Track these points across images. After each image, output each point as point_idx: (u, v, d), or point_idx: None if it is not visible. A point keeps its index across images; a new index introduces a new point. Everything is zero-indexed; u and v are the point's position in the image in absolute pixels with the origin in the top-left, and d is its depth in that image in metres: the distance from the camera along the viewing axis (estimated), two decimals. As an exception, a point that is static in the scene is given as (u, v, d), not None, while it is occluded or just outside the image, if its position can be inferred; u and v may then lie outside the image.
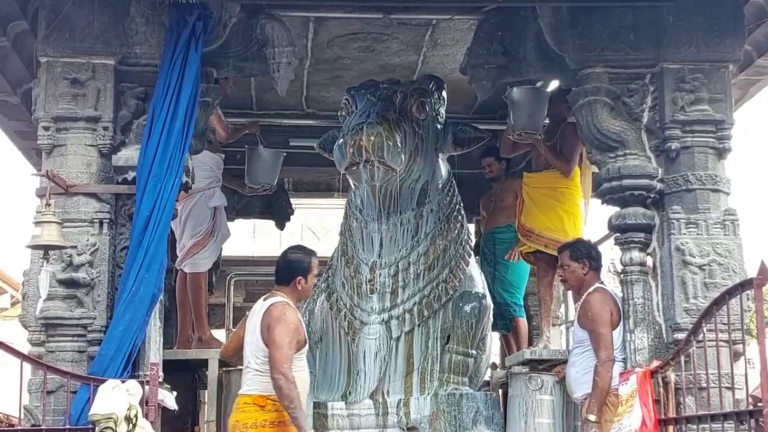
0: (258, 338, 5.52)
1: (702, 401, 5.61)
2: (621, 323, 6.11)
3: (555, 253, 7.51)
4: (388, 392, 6.84)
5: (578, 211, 7.73)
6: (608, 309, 6.09)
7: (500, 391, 7.29)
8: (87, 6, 6.06)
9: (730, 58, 6.25)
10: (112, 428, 5.25)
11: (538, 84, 8.03)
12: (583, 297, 6.25)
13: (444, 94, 7.29)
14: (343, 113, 7.19)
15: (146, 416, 5.45)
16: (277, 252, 11.68)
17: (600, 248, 6.84)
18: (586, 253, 6.34)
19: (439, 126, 7.19)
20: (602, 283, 6.32)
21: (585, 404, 6.06)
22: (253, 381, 5.51)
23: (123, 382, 5.42)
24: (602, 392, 5.94)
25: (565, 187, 7.62)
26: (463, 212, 7.37)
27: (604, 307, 6.08)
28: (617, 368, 6.01)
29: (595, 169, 6.75)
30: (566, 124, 7.48)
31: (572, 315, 8.79)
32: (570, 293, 8.36)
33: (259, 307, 5.63)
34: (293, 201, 10.09)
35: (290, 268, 5.70)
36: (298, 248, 5.90)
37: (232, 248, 8.10)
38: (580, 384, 6.14)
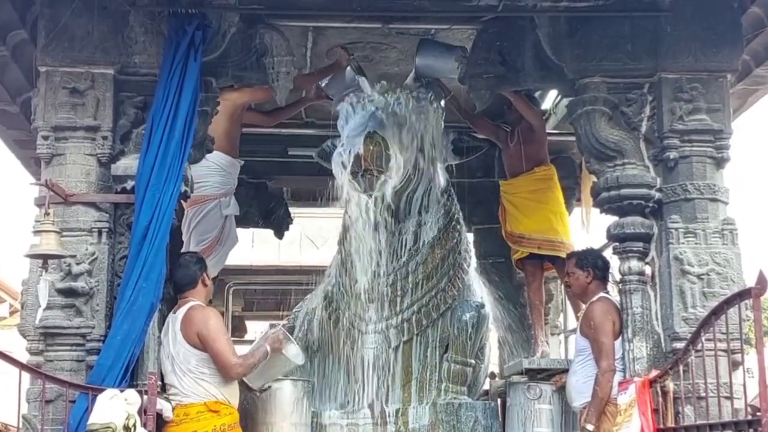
0: (184, 345, 5.79)
1: (701, 411, 5.61)
2: (621, 335, 6.12)
3: (549, 254, 7.55)
4: (386, 401, 6.84)
5: (562, 208, 7.77)
6: (611, 319, 6.09)
7: (499, 400, 7.29)
8: (86, 15, 6.06)
9: (728, 68, 6.25)
10: (110, 437, 5.26)
11: (536, 94, 8.07)
12: (586, 306, 6.26)
13: (442, 103, 7.31)
14: (342, 122, 7.20)
15: (144, 426, 5.44)
16: (276, 261, 11.72)
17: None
18: (592, 262, 6.36)
19: (437, 135, 7.19)
20: (607, 293, 6.32)
21: (583, 413, 6.07)
22: (198, 388, 5.75)
23: (121, 391, 5.41)
24: (601, 402, 5.94)
25: (545, 188, 7.67)
26: (461, 221, 7.38)
27: (607, 317, 6.09)
28: (617, 377, 6.01)
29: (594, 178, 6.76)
30: (523, 122, 7.58)
31: (571, 324, 8.82)
32: (569, 303, 8.39)
33: (171, 319, 5.90)
34: (292, 210, 10.10)
35: (189, 270, 6.01)
36: (185, 255, 6.22)
37: (230, 257, 8.07)
38: (580, 393, 6.14)
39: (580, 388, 6.15)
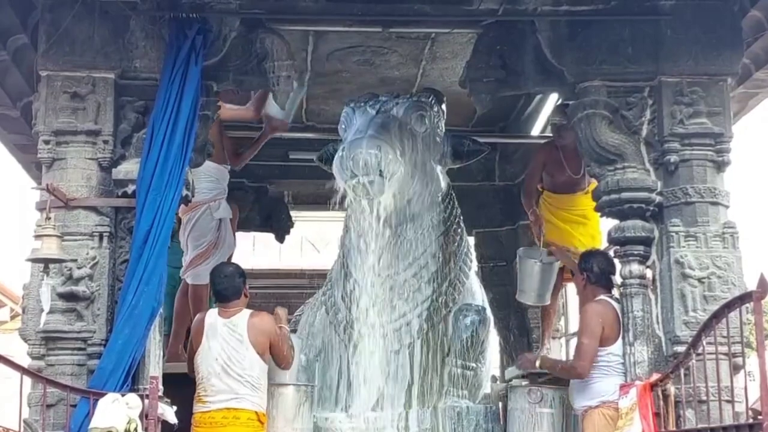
0: (251, 353, 5.97)
1: (702, 414, 5.61)
2: (621, 339, 6.12)
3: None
4: (388, 405, 6.83)
5: (599, 225, 7.78)
6: (600, 322, 6.10)
7: (500, 404, 7.28)
8: (87, 20, 6.07)
9: (728, 72, 6.26)
10: (111, 442, 5.27)
11: (537, 98, 8.06)
12: None
13: (443, 107, 7.30)
14: (343, 126, 7.20)
15: (146, 430, 5.44)
16: (277, 265, 11.80)
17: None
18: (588, 266, 6.40)
19: (438, 139, 7.18)
20: (610, 296, 6.33)
21: (585, 415, 6.12)
22: (254, 397, 5.94)
23: (123, 395, 5.41)
24: (554, 369, 6.36)
25: (592, 206, 7.67)
26: (462, 225, 7.37)
27: (596, 320, 6.12)
28: (617, 381, 6.03)
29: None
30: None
31: (572, 328, 8.83)
32: (569, 307, 8.41)
33: (219, 323, 6.05)
34: (293, 214, 10.10)
35: (234, 281, 6.19)
36: (227, 264, 6.51)
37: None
38: (581, 395, 6.18)
39: (581, 391, 6.17)
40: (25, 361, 5.80)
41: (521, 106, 8.85)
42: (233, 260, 8.18)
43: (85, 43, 6.08)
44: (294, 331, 7.77)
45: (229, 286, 6.16)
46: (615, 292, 6.40)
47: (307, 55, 7.53)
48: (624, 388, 5.88)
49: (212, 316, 6.14)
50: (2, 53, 6.84)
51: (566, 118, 7.60)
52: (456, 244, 7.17)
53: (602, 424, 5.99)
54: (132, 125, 6.08)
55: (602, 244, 7.74)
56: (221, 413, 5.87)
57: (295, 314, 8.13)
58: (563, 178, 7.77)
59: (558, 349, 9.10)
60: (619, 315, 6.18)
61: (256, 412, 5.94)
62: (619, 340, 6.11)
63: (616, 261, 6.35)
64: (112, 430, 5.25)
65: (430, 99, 7.20)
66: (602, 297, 6.26)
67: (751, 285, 5.08)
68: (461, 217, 7.38)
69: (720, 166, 6.13)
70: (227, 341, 6.00)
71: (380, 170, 6.51)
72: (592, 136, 6.20)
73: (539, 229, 7.88)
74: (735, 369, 5.73)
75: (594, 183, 7.53)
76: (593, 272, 6.34)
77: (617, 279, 6.34)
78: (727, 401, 5.58)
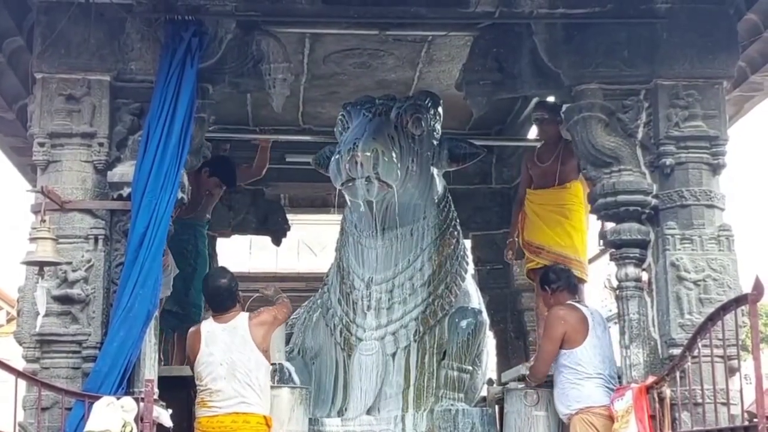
0: (256, 354, 6.03)
1: (697, 417, 5.59)
2: (587, 341, 6.18)
3: None
4: (384, 408, 6.83)
5: (584, 226, 7.75)
6: (562, 325, 6.22)
7: (496, 406, 7.28)
8: (82, 22, 6.06)
9: (724, 75, 6.26)
10: (107, 445, 5.26)
11: (534, 101, 8.07)
12: None
13: (440, 109, 7.30)
14: (339, 129, 7.20)
15: (141, 433, 5.44)
16: (273, 268, 11.77)
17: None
18: (545, 281, 6.58)
19: (434, 142, 7.19)
20: (577, 300, 6.49)
21: (571, 420, 6.17)
22: (260, 401, 6.00)
23: (118, 398, 5.40)
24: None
25: (571, 204, 7.63)
26: (459, 228, 7.37)
27: (558, 323, 6.24)
28: (590, 386, 6.10)
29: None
30: (564, 142, 7.51)
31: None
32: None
33: (218, 329, 6.10)
34: (289, 217, 10.09)
35: (230, 292, 6.27)
36: (221, 273, 6.45)
37: (229, 264, 8.05)
38: (561, 402, 6.28)
39: (560, 397, 6.27)
40: (21, 364, 5.79)
41: (518, 109, 8.85)
42: (231, 263, 8.16)
43: (81, 46, 6.07)
44: (291, 334, 7.77)
45: (225, 298, 6.24)
46: (607, 294, 6.45)
47: (303, 57, 7.53)
48: (619, 390, 5.89)
49: (208, 324, 6.21)
50: (-2, 56, 6.84)
51: (546, 113, 7.62)
52: (452, 246, 7.17)
53: (583, 430, 6.02)
54: (127, 127, 6.07)
55: (586, 250, 7.71)
56: (230, 417, 5.92)
57: (292, 317, 8.12)
58: (538, 171, 7.76)
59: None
60: (588, 319, 6.26)
61: (264, 416, 6.01)
62: (587, 343, 6.17)
63: (613, 264, 6.36)
64: (107, 433, 5.25)
65: (426, 102, 7.20)
66: (570, 302, 6.37)
67: (747, 287, 5.08)
68: (457, 220, 7.39)
69: (715, 169, 6.13)
70: (230, 345, 6.05)
71: (376, 173, 6.51)
72: (588, 138, 6.20)
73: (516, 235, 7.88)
74: (730, 371, 5.72)
75: (577, 182, 7.56)
76: (554, 281, 6.50)
77: (614, 281, 6.35)
78: (723, 404, 5.58)
